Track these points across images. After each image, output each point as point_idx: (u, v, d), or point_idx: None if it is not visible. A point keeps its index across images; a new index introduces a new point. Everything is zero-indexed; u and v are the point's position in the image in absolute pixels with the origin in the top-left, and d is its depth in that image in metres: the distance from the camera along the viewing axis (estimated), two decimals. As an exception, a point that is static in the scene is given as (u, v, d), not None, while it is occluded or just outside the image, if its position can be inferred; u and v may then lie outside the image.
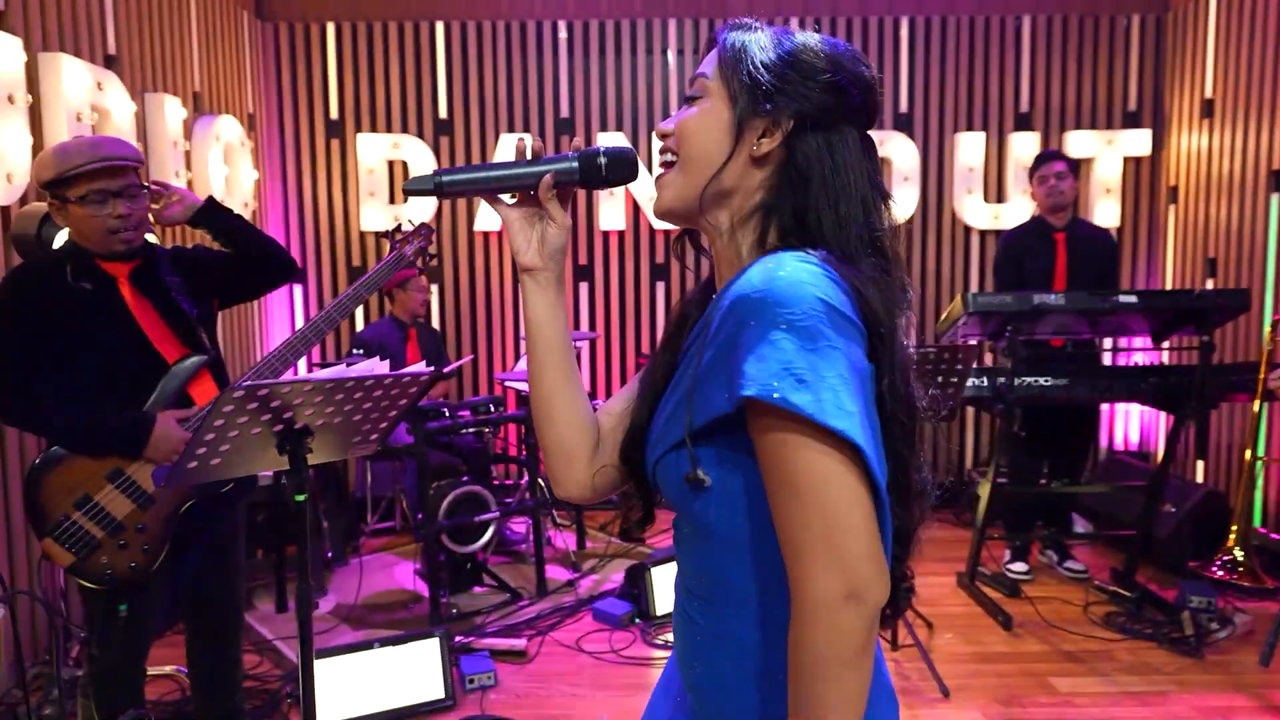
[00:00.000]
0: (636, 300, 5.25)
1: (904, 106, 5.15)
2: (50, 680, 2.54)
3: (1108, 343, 4.37)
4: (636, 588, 3.52)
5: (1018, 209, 4.97)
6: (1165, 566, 3.84)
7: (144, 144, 3.70)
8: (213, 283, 2.22)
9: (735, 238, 0.96)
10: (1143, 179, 5.16)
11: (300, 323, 5.02)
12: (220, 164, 4.19)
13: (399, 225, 2.71)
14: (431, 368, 1.94)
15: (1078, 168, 4.10)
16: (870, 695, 0.82)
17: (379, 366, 1.85)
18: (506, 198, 1.04)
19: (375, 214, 5.04)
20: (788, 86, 0.91)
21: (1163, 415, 4.80)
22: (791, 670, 0.83)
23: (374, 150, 5.01)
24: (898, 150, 5.04)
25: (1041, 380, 3.52)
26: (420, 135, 5.06)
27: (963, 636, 3.36)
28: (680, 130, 0.97)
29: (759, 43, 0.94)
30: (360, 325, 5.13)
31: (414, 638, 2.85)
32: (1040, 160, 3.93)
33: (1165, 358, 4.20)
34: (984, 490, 3.65)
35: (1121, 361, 4.29)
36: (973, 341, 3.53)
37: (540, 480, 4.05)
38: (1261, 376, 3.47)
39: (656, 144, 1.07)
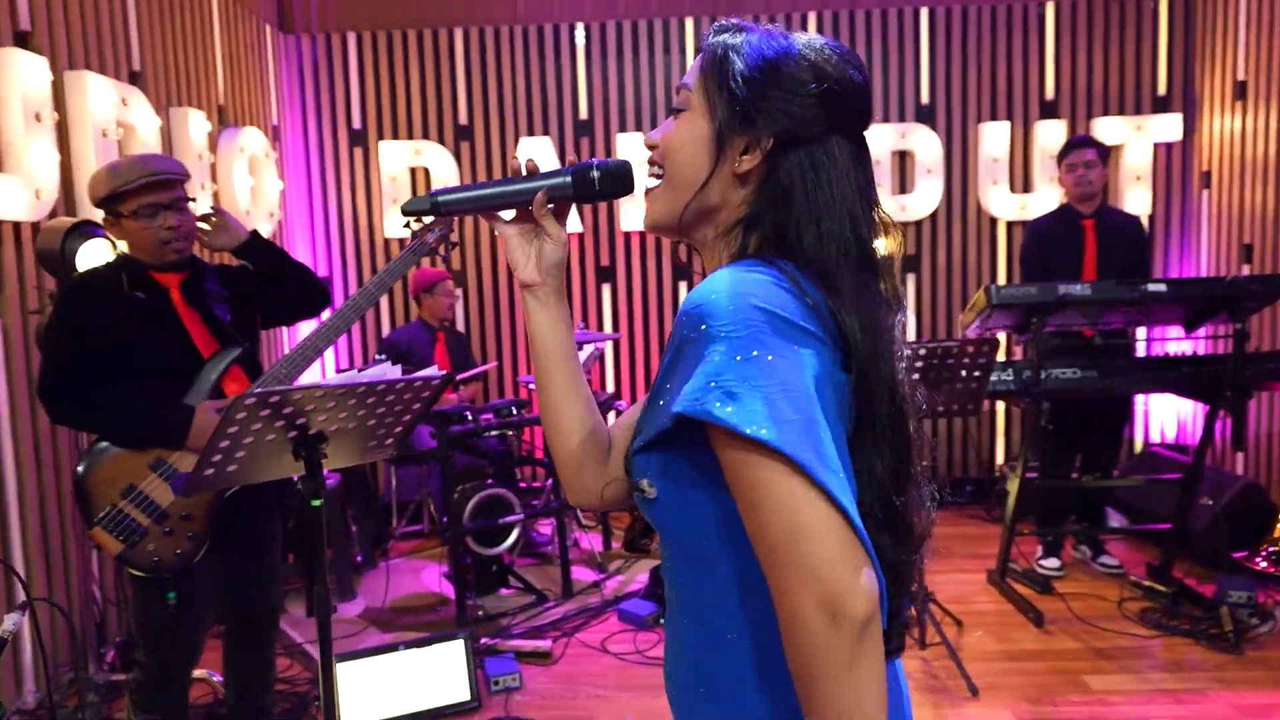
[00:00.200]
0: (660, 300, 5.24)
1: (925, 98, 5.08)
2: (84, 684, 2.59)
3: (1140, 332, 4.27)
4: (661, 588, 3.51)
5: (1045, 199, 4.88)
6: (1202, 561, 3.75)
7: (170, 158, 3.76)
8: (255, 301, 2.33)
9: (717, 250, 0.96)
10: (1174, 165, 5.04)
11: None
12: (245, 175, 4.26)
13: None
14: (443, 371, 1.95)
15: (1107, 155, 4.02)
16: None
17: (391, 371, 1.87)
18: (504, 214, 1.05)
19: (398, 221, 5.08)
20: (767, 105, 0.89)
21: (1199, 407, 4.69)
22: (794, 683, 0.81)
23: (396, 158, 5.07)
24: (920, 142, 4.98)
25: (1070, 372, 3.45)
26: (441, 141, 5.10)
27: (992, 634, 3.30)
28: (664, 145, 0.96)
29: (740, 51, 0.91)
30: (387, 329, 5.19)
31: (439, 640, 2.87)
32: (1069, 147, 3.85)
33: (1200, 347, 4.10)
34: (1012, 486, 3.59)
35: (1155, 351, 4.20)
36: (1000, 335, 3.47)
37: (564, 482, 4.06)
38: (1300, 364, 3.37)
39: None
